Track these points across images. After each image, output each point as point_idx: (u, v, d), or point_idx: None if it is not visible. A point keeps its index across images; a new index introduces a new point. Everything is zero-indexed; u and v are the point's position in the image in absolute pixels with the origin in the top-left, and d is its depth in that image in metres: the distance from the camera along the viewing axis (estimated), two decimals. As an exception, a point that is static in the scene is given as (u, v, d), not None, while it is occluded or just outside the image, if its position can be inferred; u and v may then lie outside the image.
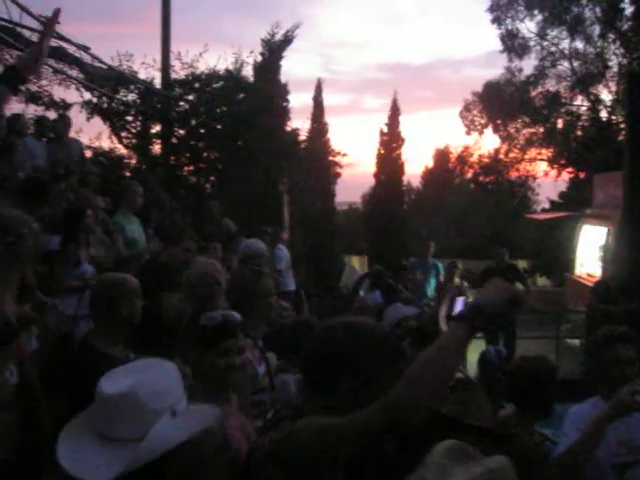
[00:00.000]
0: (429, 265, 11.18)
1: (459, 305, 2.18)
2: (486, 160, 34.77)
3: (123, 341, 3.83)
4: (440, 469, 1.48)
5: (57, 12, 2.40)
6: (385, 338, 2.15)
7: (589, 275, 13.58)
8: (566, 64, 28.86)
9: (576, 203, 19.31)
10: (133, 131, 16.11)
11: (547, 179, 31.00)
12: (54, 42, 12.12)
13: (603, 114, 28.44)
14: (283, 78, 17.59)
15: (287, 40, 17.35)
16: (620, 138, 24.84)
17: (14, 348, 3.33)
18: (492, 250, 11.10)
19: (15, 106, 14.38)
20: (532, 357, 3.99)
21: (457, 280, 10.76)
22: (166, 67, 15.56)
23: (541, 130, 30.01)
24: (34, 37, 11.56)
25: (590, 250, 13.89)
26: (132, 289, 3.86)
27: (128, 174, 15.30)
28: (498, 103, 29.62)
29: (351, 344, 2.06)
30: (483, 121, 32.16)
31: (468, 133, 33.29)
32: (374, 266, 9.83)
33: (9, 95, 2.37)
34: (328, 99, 28.40)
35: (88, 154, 12.90)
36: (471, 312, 1.87)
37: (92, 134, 15.25)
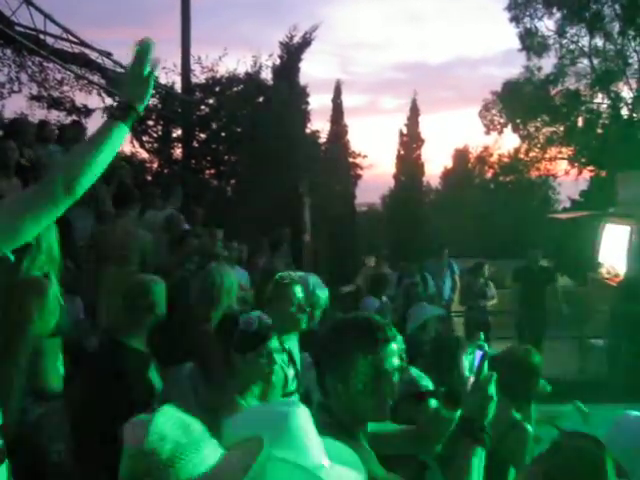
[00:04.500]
0: (443, 265, 11.23)
1: (477, 359, 2.22)
2: (506, 160, 34.59)
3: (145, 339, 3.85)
4: None
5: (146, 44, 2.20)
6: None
7: (612, 274, 13.47)
8: (586, 62, 28.66)
9: (597, 202, 19.18)
10: (154, 135, 16.26)
11: (568, 178, 30.83)
12: (77, 49, 12.31)
13: (624, 112, 28.23)
14: (302, 80, 17.68)
15: (305, 42, 17.41)
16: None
17: None
18: (527, 251, 11.09)
19: (38, 112, 14.64)
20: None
21: (482, 281, 10.76)
22: (186, 71, 15.66)
23: (561, 129, 29.81)
24: (57, 44, 11.75)
25: (613, 249, 13.78)
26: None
27: (149, 178, 15.46)
28: (517, 102, 29.47)
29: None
30: (502, 120, 32.02)
31: (487, 133, 33.18)
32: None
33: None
34: (346, 100, 28.49)
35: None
36: (476, 431, 2.05)
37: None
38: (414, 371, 3.48)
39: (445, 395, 2.28)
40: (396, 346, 2.14)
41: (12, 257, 2.10)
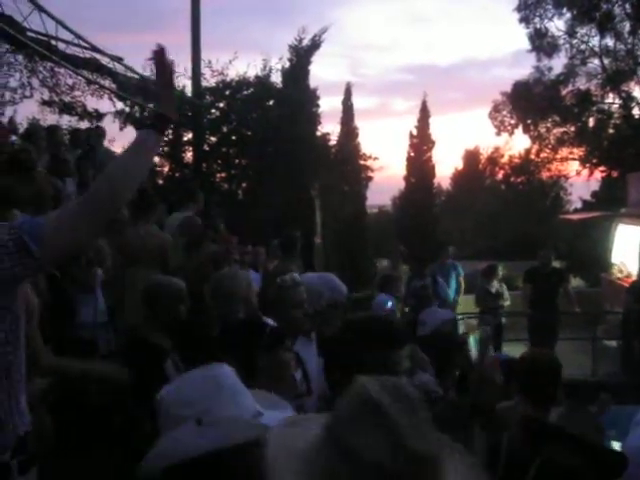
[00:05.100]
0: (448, 267, 11.22)
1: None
2: (517, 161, 34.52)
3: (169, 336, 3.95)
4: None
5: (160, 51, 2.15)
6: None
7: (625, 275, 13.42)
8: (596, 62, 28.54)
9: (609, 202, 19.11)
10: (165, 139, 16.30)
11: (579, 178, 30.69)
12: (88, 54, 12.38)
13: (635, 111, 28.12)
14: (312, 83, 17.69)
15: (315, 45, 17.41)
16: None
17: None
18: (539, 252, 11.05)
19: (49, 117, 14.71)
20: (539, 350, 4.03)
21: (495, 283, 10.73)
22: (197, 75, 15.72)
23: (572, 129, 29.68)
24: (68, 50, 11.83)
25: (625, 250, 13.73)
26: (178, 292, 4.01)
27: (161, 181, 15.53)
28: (527, 103, 29.35)
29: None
30: (513, 121, 31.84)
31: (498, 134, 33.00)
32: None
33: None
34: (356, 102, 28.49)
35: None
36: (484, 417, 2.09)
37: (125, 143, 15.51)
38: (424, 376, 3.47)
39: (457, 382, 2.29)
40: (406, 348, 2.15)
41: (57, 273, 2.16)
